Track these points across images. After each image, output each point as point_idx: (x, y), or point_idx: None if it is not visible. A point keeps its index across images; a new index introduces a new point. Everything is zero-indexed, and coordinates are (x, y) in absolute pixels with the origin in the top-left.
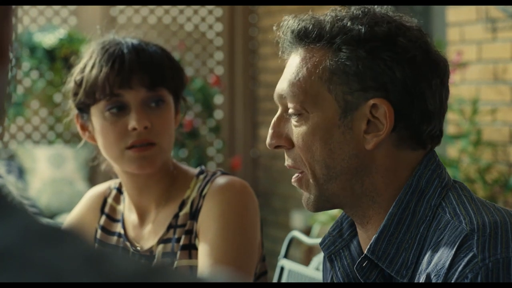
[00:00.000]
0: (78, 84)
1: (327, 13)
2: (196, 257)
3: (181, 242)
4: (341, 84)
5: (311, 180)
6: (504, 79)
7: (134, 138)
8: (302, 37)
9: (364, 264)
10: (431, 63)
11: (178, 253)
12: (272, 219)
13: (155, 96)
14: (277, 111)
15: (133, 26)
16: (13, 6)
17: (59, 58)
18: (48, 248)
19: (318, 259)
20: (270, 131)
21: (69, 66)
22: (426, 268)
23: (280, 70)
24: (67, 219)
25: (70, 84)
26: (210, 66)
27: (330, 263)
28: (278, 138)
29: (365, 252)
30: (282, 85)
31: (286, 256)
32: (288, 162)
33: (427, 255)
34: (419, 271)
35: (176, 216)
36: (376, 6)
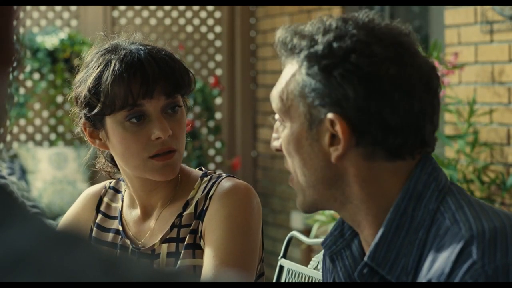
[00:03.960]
0: (93, 94)
1: (311, 23)
2: (199, 257)
3: (186, 242)
4: (305, 98)
5: (296, 185)
6: (500, 80)
7: (158, 147)
8: (283, 48)
9: (364, 271)
10: (393, 77)
11: (182, 252)
12: (272, 220)
13: (173, 103)
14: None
15: (134, 28)
16: (15, 7)
17: (60, 60)
18: (63, 253)
19: (318, 259)
20: (273, 134)
21: (70, 68)
22: (427, 274)
23: (278, 72)
24: (62, 219)
25: (82, 93)
26: (210, 67)
27: (332, 263)
28: (277, 141)
29: (364, 259)
30: (272, 93)
31: (285, 256)
32: (285, 164)
33: (427, 262)
34: (419, 277)
35: (179, 215)
36: (360, 13)
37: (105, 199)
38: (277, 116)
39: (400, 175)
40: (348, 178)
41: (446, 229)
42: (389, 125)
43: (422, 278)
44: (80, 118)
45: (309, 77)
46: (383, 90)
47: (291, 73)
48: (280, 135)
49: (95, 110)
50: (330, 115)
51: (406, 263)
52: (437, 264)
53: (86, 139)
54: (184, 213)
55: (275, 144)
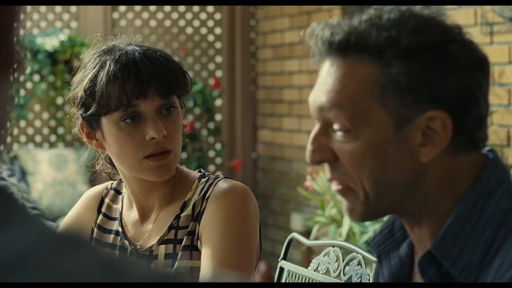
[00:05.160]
0: (89, 94)
1: (361, 19)
2: (197, 258)
3: (183, 243)
4: (393, 98)
5: (361, 197)
6: (500, 82)
7: (153, 147)
8: (343, 49)
9: (426, 260)
10: (479, 65)
11: (179, 253)
12: (272, 221)
13: (168, 104)
14: (275, 114)
15: (134, 29)
16: (16, 8)
17: (60, 61)
18: (64, 255)
19: (318, 260)
20: (310, 147)
21: (70, 69)
22: (495, 277)
23: (278, 73)
24: (64, 219)
25: (78, 94)
26: (210, 69)
27: (378, 262)
28: (321, 153)
29: (428, 247)
30: (322, 98)
31: (285, 258)
32: (331, 175)
33: (496, 264)
34: (487, 278)
35: (177, 217)
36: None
37: (106, 200)
38: (337, 126)
39: (470, 170)
40: (426, 179)
41: None
42: (480, 116)
43: (491, 280)
44: (77, 119)
45: (403, 75)
46: (477, 79)
47: (363, 74)
48: (330, 145)
49: (91, 111)
50: (431, 112)
51: (470, 259)
52: (507, 266)
53: (84, 140)
54: (182, 215)
55: (317, 157)
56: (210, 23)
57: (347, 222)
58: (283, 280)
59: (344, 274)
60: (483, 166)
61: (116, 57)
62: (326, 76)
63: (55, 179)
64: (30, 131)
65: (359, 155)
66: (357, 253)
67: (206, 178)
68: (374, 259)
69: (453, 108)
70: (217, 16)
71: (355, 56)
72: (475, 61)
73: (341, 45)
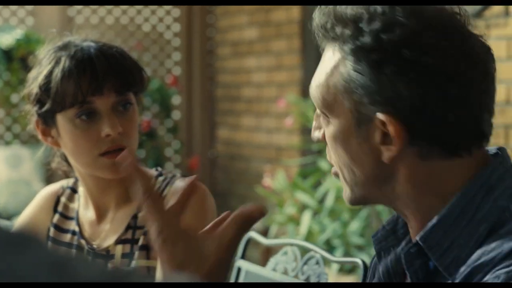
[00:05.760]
0: (44, 91)
1: (353, 7)
2: (154, 258)
3: (140, 243)
4: (352, 93)
5: (342, 180)
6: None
7: (108, 144)
8: (322, 33)
9: (412, 250)
10: (448, 69)
11: (137, 253)
12: None
13: (124, 100)
14: (234, 112)
15: (90, 27)
16: None
17: (16, 59)
18: (11, 255)
19: (275, 260)
20: (313, 123)
21: (26, 67)
22: (474, 263)
23: (237, 71)
24: (19, 218)
25: (33, 91)
26: (167, 66)
27: (378, 259)
28: (318, 132)
29: (416, 238)
30: (312, 81)
31: (243, 257)
32: (328, 157)
33: (477, 252)
34: (464, 266)
35: (134, 217)
36: None
37: (63, 199)
38: (318, 111)
39: (457, 172)
40: (400, 177)
41: (509, 229)
42: (445, 121)
43: (467, 267)
44: (33, 115)
45: (356, 72)
46: (438, 84)
47: (333, 64)
48: (322, 126)
49: (46, 107)
50: (380, 116)
51: (459, 254)
52: (488, 254)
53: (39, 137)
54: (139, 214)
55: (316, 134)
56: (168, 20)
57: (305, 221)
58: (240, 280)
59: (303, 274)
60: (484, 166)
61: (71, 53)
62: (320, 61)
63: (11, 178)
64: None
65: (331, 141)
66: (315, 252)
67: (163, 177)
68: (333, 258)
69: (406, 113)
70: (175, 13)
71: (334, 41)
72: (439, 68)
73: (320, 30)
